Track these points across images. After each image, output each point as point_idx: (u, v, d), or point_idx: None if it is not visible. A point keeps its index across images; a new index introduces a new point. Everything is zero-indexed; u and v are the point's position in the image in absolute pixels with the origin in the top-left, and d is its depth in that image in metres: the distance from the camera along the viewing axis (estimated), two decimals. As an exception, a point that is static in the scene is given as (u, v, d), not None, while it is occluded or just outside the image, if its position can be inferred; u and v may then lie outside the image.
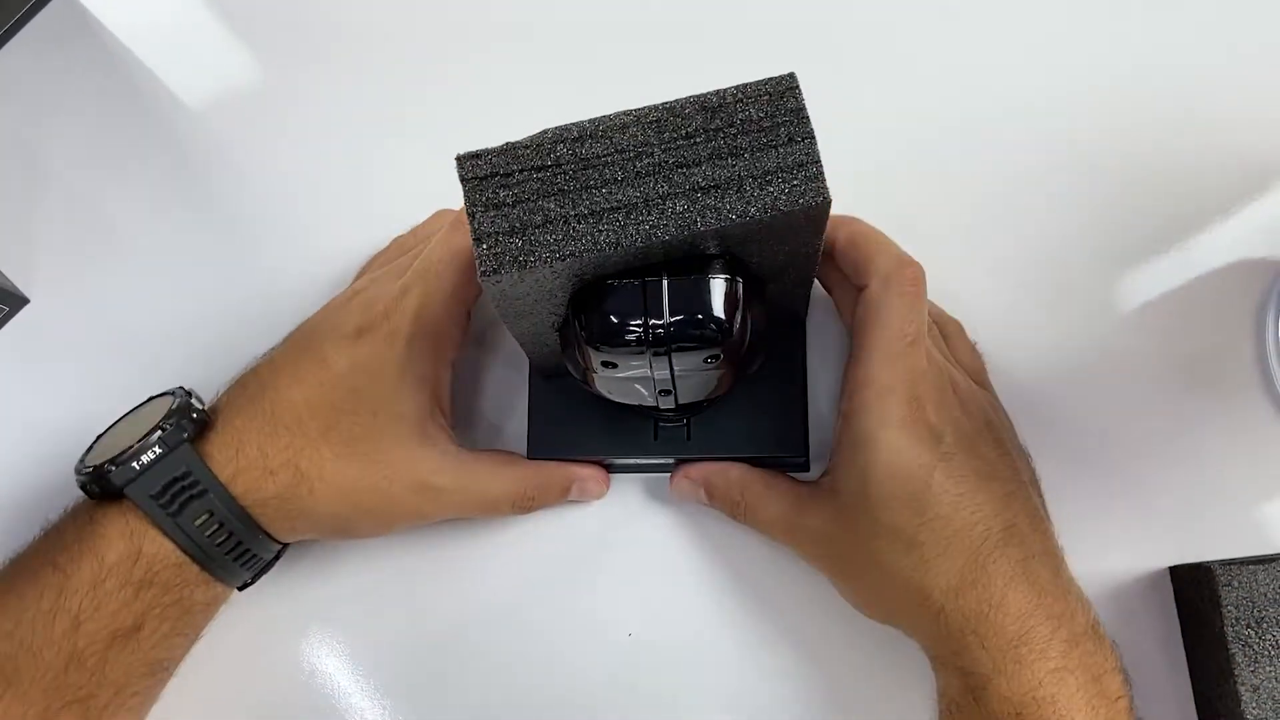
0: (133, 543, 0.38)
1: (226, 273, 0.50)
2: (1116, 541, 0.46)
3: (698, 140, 0.31)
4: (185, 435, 0.39)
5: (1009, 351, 0.48)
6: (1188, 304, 0.49)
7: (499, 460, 0.44)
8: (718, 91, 0.32)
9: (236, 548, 0.39)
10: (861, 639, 0.45)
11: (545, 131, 0.32)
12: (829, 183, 0.32)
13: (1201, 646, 0.44)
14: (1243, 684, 0.41)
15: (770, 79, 0.32)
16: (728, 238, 0.33)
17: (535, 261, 0.31)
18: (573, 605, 0.46)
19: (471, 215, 0.31)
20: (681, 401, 0.39)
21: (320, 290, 0.49)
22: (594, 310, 0.34)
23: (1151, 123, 0.50)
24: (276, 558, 0.43)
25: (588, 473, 0.45)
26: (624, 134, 0.32)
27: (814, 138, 0.31)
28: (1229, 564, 0.43)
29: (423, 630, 0.46)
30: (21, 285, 0.49)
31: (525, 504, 0.44)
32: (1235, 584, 0.42)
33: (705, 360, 0.35)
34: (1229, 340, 0.48)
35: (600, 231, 0.31)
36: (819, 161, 0.31)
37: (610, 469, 0.46)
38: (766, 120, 0.31)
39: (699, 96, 0.32)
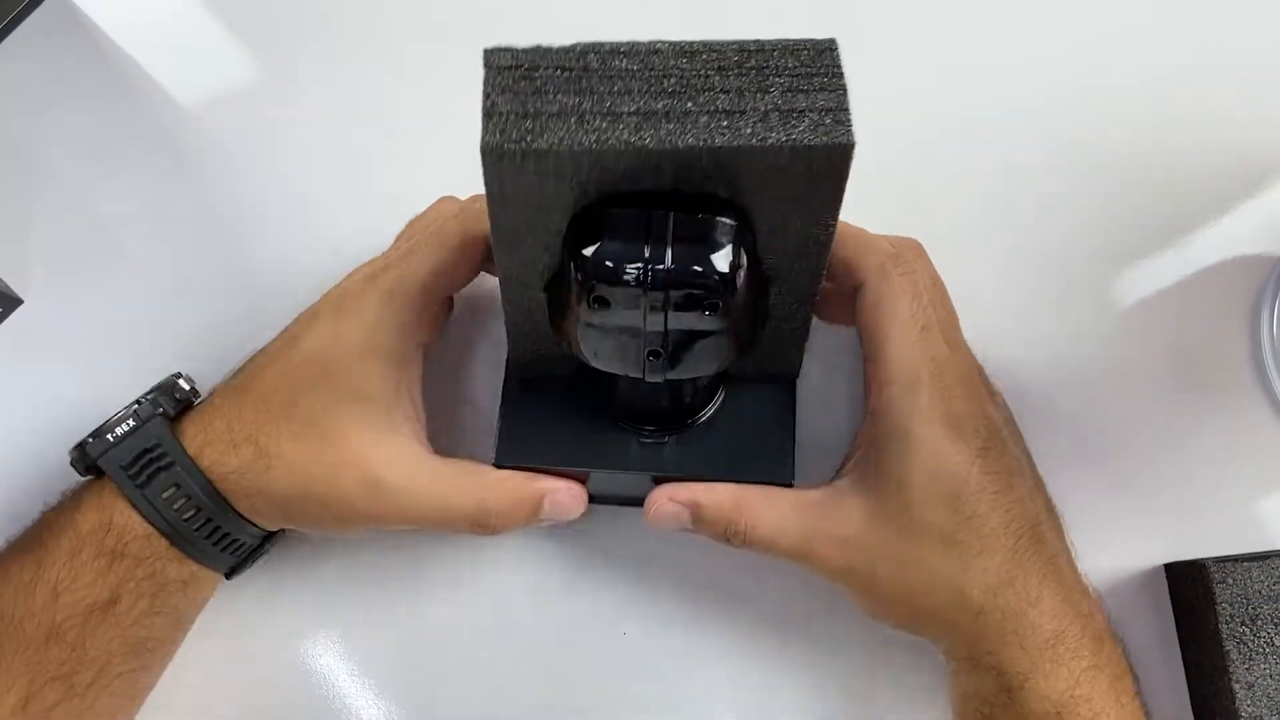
0: (104, 513, 0.38)
1: (222, 272, 0.50)
2: (1112, 538, 0.46)
3: (730, 73, 0.31)
4: (160, 410, 0.39)
5: (1004, 348, 0.48)
6: (1183, 301, 0.49)
7: (464, 468, 0.40)
8: (758, 40, 0.32)
9: (206, 525, 0.39)
10: (860, 635, 0.45)
11: (579, 43, 0.31)
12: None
13: (1196, 644, 0.44)
14: (1237, 681, 0.41)
15: (811, 39, 0.32)
16: (740, 182, 0.32)
17: (543, 146, 0.30)
18: (566, 603, 0.46)
19: (487, 96, 0.31)
20: (670, 377, 0.36)
21: (317, 289, 0.48)
22: (594, 232, 0.32)
23: (1147, 121, 0.50)
24: (261, 546, 0.42)
25: (560, 484, 0.41)
26: (657, 56, 0.31)
27: (846, 91, 0.31)
28: (1223, 561, 0.43)
29: (416, 631, 0.46)
30: (15, 286, 0.49)
31: (485, 521, 0.40)
32: (1230, 581, 0.42)
33: (703, 311, 0.33)
34: (1224, 337, 0.48)
35: (616, 130, 0.30)
36: (848, 110, 0.31)
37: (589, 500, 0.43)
38: (801, 69, 0.31)
39: (739, 40, 0.32)
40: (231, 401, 0.40)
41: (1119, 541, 0.46)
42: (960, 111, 0.51)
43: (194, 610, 0.42)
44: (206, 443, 0.39)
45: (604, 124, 0.30)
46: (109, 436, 0.39)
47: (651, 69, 0.31)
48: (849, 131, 0.31)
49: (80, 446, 0.39)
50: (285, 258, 0.50)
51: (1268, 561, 0.42)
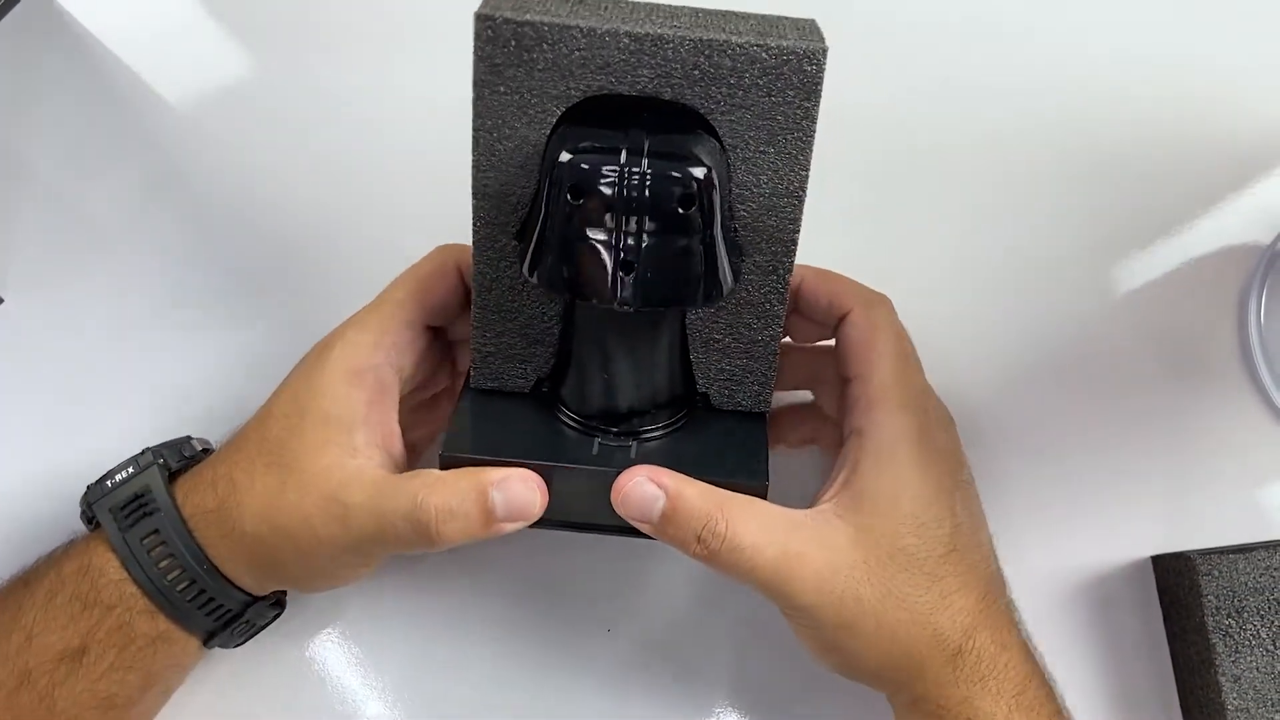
0: (85, 557, 0.38)
1: (208, 275, 0.50)
2: (1099, 531, 0.46)
3: (714, 16, 0.34)
4: (160, 460, 0.39)
5: (992, 340, 0.48)
6: (1170, 292, 0.49)
7: (411, 473, 0.36)
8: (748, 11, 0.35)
9: (180, 575, 0.37)
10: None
11: None
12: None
13: (1183, 636, 0.44)
14: (1223, 674, 0.41)
15: (796, 17, 0.35)
16: (716, 93, 0.34)
17: (535, 19, 0.32)
18: (550, 599, 0.46)
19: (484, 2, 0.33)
20: (641, 305, 0.34)
21: (307, 292, 0.48)
22: (574, 138, 0.33)
23: (1134, 112, 0.50)
24: (242, 615, 0.40)
25: (510, 472, 0.35)
26: (648, 4, 0.35)
27: (822, 35, 0.34)
28: (1209, 553, 0.42)
29: (411, 635, 0.46)
30: (-4, 285, 0.49)
31: (423, 518, 0.34)
32: (1216, 573, 0.42)
33: (678, 209, 0.32)
34: (1212, 328, 0.48)
35: (606, 21, 0.33)
36: (824, 41, 0.33)
37: (544, 523, 0.37)
38: (787, 25, 0.34)
39: (730, 9, 0.35)
40: (224, 448, 0.39)
41: (1107, 534, 0.46)
42: (949, 103, 0.51)
43: (168, 674, 0.40)
44: (191, 489, 0.38)
45: (593, 16, 0.33)
46: (107, 483, 0.39)
47: (644, 5, 0.35)
48: (821, 41, 0.33)
49: (86, 491, 0.39)
50: (275, 259, 0.50)
51: (1253, 554, 0.42)
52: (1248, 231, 0.49)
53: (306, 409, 0.37)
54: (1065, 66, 0.51)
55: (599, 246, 0.33)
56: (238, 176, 0.51)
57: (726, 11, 0.35)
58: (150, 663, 0.39)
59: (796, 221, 0.36)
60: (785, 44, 0.33)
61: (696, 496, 0.35)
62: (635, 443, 0.38)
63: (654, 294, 0.34)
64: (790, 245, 0.37)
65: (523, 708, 0.45)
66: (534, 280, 0.35)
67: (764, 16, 0.35)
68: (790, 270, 0.37)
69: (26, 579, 0.39)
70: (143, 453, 0.40)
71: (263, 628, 0.42)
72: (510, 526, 0.35)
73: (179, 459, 0.40)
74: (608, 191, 0.32)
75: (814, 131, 0.34)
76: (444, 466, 0.36)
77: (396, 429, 0.38)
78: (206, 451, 0.42)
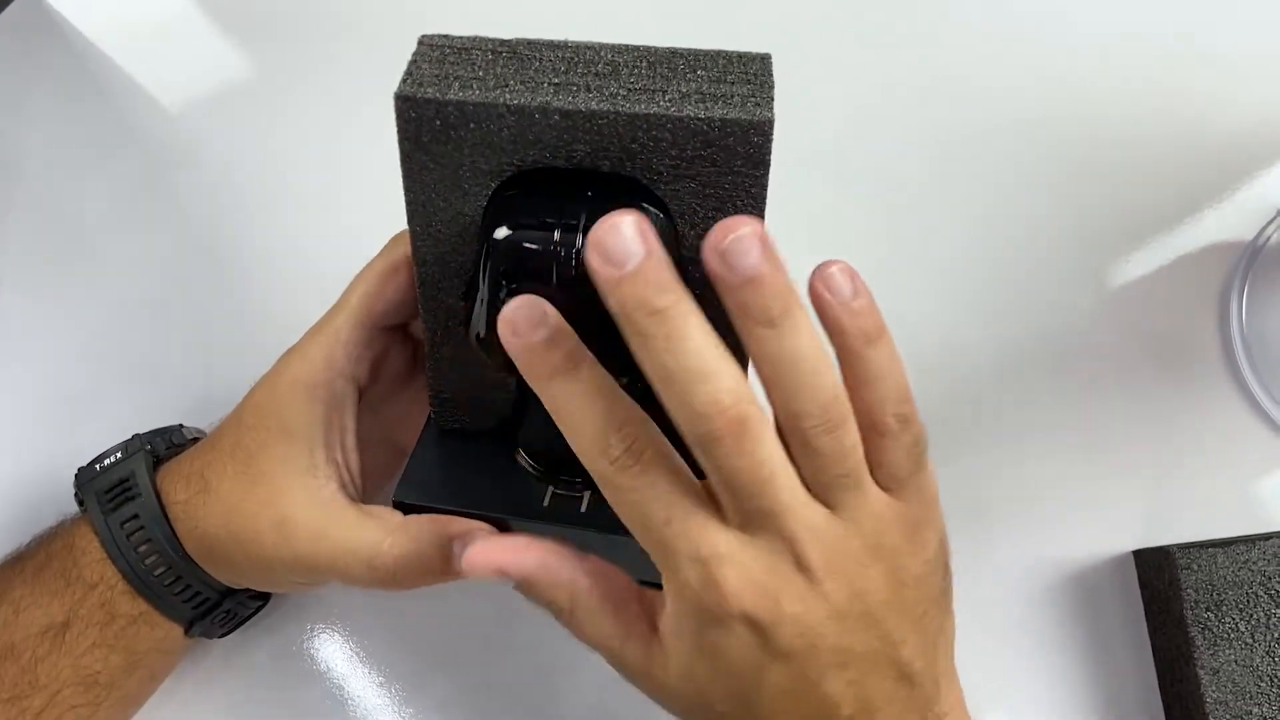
0: (70, 537, 0.39)
1: (201, 275, 0.50)
2: (1081, 525, 0.46)
3: (659, 66, 0.31)
4: (148, 447, 0.40)
5: (974, 336, 0.48)
6: (1153, 289, 0.49)
7: (370, 511, 0.37)
8: (695, 48, 0.31)
9: (158, 560, 0.38)
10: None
11: (518, 37, 0.32)
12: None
13: (1163, 630, 0.44)
14: (1202, 667, 0.42)
15: (749, 51, 0.31)
16: (658, 165, 0.31)
17: (458, 97, 0.29)
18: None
19: (412, 63, 0.30)
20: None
21: (298, 294, 0.48)
22: (506, 213, 0.31)
23: (1116, 111, 0.50)
24: (220, 605, 0.40)
25: (469, 525, 0.35)
26: (590, 51, 0.31)
27: (772, 87, 0.30)
28: (1189, 547, 0.43)
29: (407, 643, 0.46)
30: (-14, 284, 0.50)
31: (380, 565, 0.35)
32: (1195, 567, 0.42)
33: None
34: (1194, 324, 0.48)
35: (534, 94, 0.30)
36: (771, 98, 0.30)
37: None
38: (731, 69, 0.31)
39: (676, 47, 0.31)
40: (203, 443, 0.40)
41: (1089, 528, 0.46)
42: (933, 102, 0.51)
43: (153, 658, 0.40)
44: (167, 476, 0.39)
45: (522, 88, 0.30)
46: (96, 466, 0.40)
47: (582, 58, 0.31)
48: (769, 109, 0.29)
49: (77, 474, 0.40)
50: (267, 260, 0.50)
51: (1233, 548, 0.42)
52: (1230, 228, 0.49)
53: (270, 423, 0.37)
54: (1047, 67, 0.51)
55: None
56: (229, 175, 0.51)
57: (674, 53, 0.31)
58: (133, 643, 0.39)
59: None
60: (729, 115, 0.29)
61: (547, 582, 0.33)
62: (588, 493, 0.37)
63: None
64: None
65: (518, 701, 0.46)
66: (484, 357, 0.33)
67: (715, 56, 0.31)
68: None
69: (18, 555, 0.40)
70: (132, 439, 0.41)
71: (247, 618, 0.43)
72: (470, 575, 0.34)
73: (168, 446, 0.41)
74: (543, 272, 0.30)
75: (764, 196, 0.32)
76: (398, 509, 0.37)
77: (352, 444, 0.38)
78: (197, 440, 0.42)
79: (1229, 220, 0.49)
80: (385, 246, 0.39)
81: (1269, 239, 0.48)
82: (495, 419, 0.38)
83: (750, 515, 0.29)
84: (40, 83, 0.53)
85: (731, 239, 0.27)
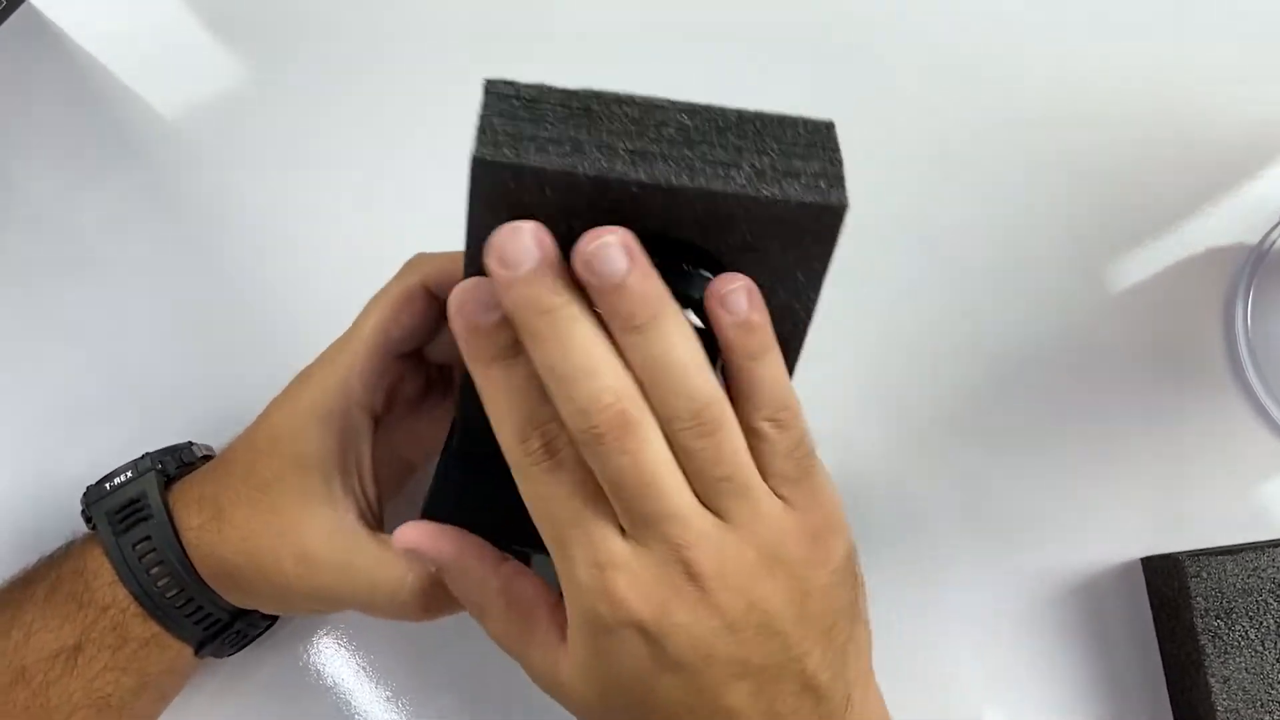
0: (82, 559, 0.39)
1: (204, 286, 0.50)
2: (1088, 532, 0.46)
3: (729, 133, 0.31)
4: (159, 467, 0.40)
5: (978, 341, 0.48)
6: (1158, 293, 0.49)
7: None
8: (760, 110, 0.31)
9: (170, 582, 0.38)
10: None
11: (585, 88, 0.31)
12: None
13: (1173, 638, 0.44)
14: (1213, 675, 0.41)
15: (811, 117, 0.31)
16: (728, 239, 0.31)
17: (535, 163, 0.29)
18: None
19: (483, 117, 0.30)
20: None
21: (298, 303, 0.48)
22: None
23: (1120, 114, 0.50)
24: (231, 625, 0.40)
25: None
26: (659, 110, 0.31)
27: (843, 164, 0.31)
28: (1198, 555, 0.43)
29: (415, 658, 0.46)
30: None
31: (408, 597, 0.36)
32: (1204, 575, 0.42)
33: None
34: (1199, 329, 0.48)
35: (611, 161, 0.29)
36: (844, 179, 0.30)
37: None
38: (800, 138, 0.31)
39: (741, 109, 0.31)
40: (214, 465, 0.40)
41: (1097, 535, 0.46)
42: (933, 104, 0.51)
43: (163, 679, 0.40)
44: (180, 498, 0.39)
45: (598, 154, 0.30)
46: (106, 485, 0.39)
47: (653, 119, 0.31)
48: (843, 194, 0.30)
49: (85, 493, 0.40)
50: (270, 270, 0.50)
51: (1242, 555, 0.42)
52: (1234, 231, 0.49)
53: (284, 450, 0.37)
54: (1050, 68, 0.51)
55: None
56: (231, 184, 0.51)
57: (741, 118, 0.31)
58: (144, 665, 0.39)
59: (800, 342, 0.35)
60: (806, 199, 0.30)
61: (463, 583, 0.35)
62: None
63: None
64: (795, 350, 0.35)
65: (528, 718, 0.45)
66: None
67: (782, 123, 0.31)
68: (793, 369, 0.36)
69: (27, 579, 0.40)
70: (142, 457, 0.41)
71: (255, 638, 0.43)
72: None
73: (178, 464, 0.41)
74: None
75: (827, 271, 0.32)
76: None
77: (369, 473, 0.38)
78: (207, 458, 0.42)
79: (1234, 224, 0.49)
80: (400, 272, 0.38)
81: (1274, 242, 0.48)
82: None
83: (638, 520, 0.30)
84: (39, 94, 0.52)
85: (596, 245, 0.28)
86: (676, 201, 0.30)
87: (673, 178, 0.29)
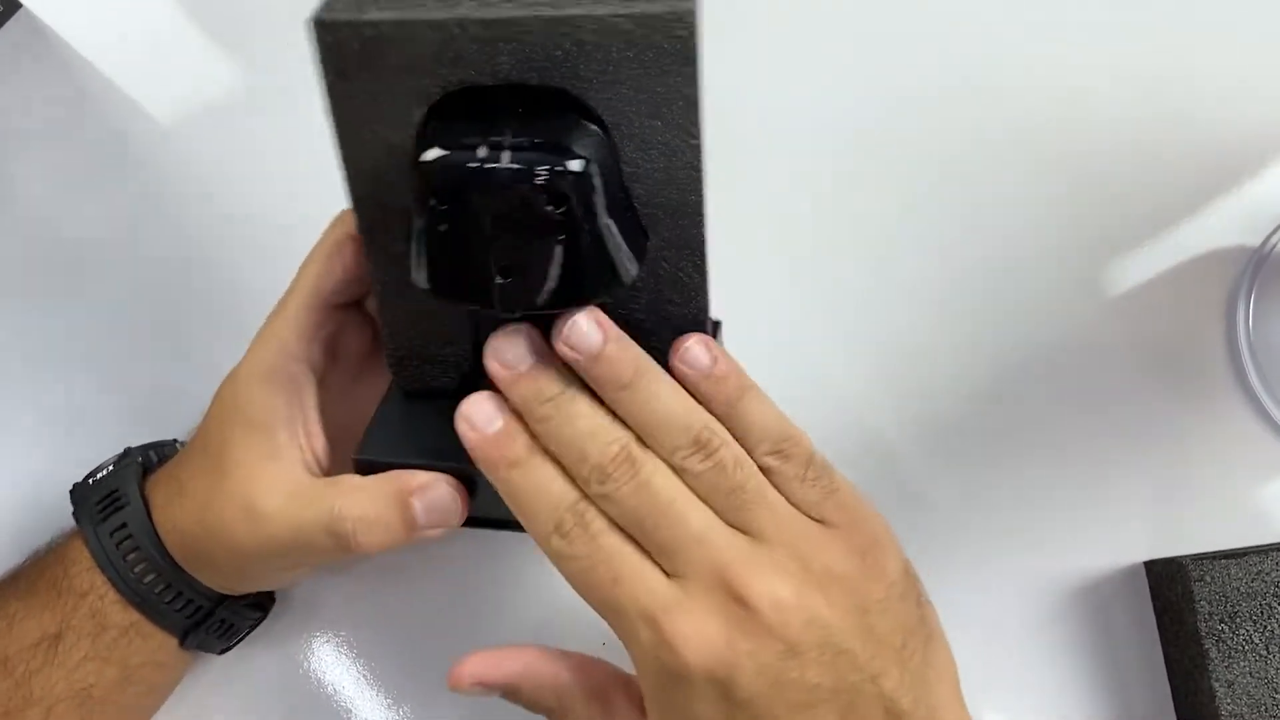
0: (63, 549, 0.39)
1: (198, 288, 0.50)
2: (1091, 536, 0.46)
3: None
4: (140, 459, 0.40)
5: (979, 346, 0.48)
6: (1159, 296, 0.49)
7: (329, 480, 0.36)
8: None
9: (145, 566, 0.38)
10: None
11: None
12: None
13: (1176, 642, 0.44)
14: (1217, 680, 0.41)
15: None
16: (585, 74, 0.30)
17: (375, 18, 0.29)
18: (548, 616, 0.46)
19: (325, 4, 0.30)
20: (530, 309, 0.32)
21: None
22: (435, 134, 0.30)
23: (1121, 115, 0.50)
24: (213, 614, 0.40)
25: (429, 477, 0.35)
26: None
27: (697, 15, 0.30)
28: (1201, 559, 0.42)
29: (417, 663, 0.46)
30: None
31: (340, 529, 0.34)
32: (1208, 579, 0.42)
33: (551, 208, 0.30)
34: (1201, 332, 0.48)
35: (454, 9, 0.29)
36: (691, 2, 0.29)
37: (469, 523, 0.37)
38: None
39: None
40: (181, 452, 0.41)
41: (1099, 539, 0.46)
42: (932, 107, 0.50)
43: (147, 671, 0.40)
44: (153, 485, 0.40)
45: (440, 5, 0.30)
46: (90, 480, 0.40)
47: None
48: (690, 1, 0.29)
49: (71, 491, 0.41)
50: (263, 273, 0.49)
51: (1245, 558, 0.42)
52: (1235, 234, 0.49)
53: (233, 417, 0.37)
54: (1050, 71, 0.51)
55: (476, 252, 0.31)
56: (224, 188, 0.51)
57: None
58: (126, 655, 0.39)
59: (698, 191, 0.33)
60: (650, 9, 0.29)
61: (531, 688, 0.34)
62: None
63: (544, 296, 0.31)
64: (697, 216, 0.34)
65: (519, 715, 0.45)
66: (423, 286, 0.32)
67: None
68: (703, 240, 0.34)
69: (14, 574, 0.41)
70: (126, 452, 0.42)
71: (245, 632, 0.43)
72: (433, 533, 0.35)
73: (160, 459, 0.41)
74: (473, 195, 0.30)
75: (699, 97, 0.31)
76: (359, 470, 0.36)
77: (316, 426, 0.38)
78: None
79: (1235, 226, 0.49)
80: (329, 226, 0.38)
81: (1276, 245, 0.48)
82: (456, 376, 0.37)
83: (667, 551, 0.30)
84: (34, 98, 0.52)
85: (569, 326, 0.31)
86: (521, 37, 0.30)
87: (513, 11, 0.29)
